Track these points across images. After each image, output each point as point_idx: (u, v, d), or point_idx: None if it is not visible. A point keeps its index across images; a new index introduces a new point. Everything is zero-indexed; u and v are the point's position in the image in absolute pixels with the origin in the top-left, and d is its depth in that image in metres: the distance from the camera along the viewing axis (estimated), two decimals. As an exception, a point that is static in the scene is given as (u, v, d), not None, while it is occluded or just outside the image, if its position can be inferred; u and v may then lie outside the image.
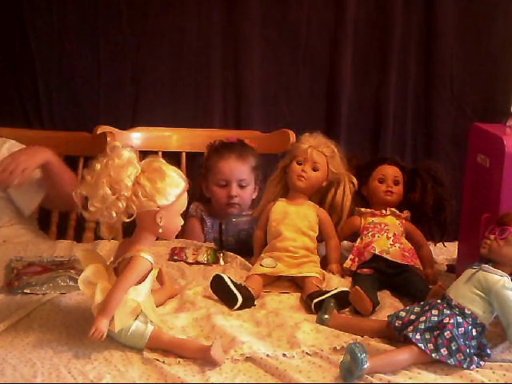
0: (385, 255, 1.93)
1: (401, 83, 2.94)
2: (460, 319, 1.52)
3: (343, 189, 2.07)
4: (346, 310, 1.76)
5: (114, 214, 1.52)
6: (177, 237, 1.70)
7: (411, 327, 1.52)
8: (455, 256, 2.09)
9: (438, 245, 2.13)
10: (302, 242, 1.99)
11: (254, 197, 2.50)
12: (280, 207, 2.06)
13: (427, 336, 1.50)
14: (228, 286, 1.78)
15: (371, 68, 2.93)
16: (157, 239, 1.66)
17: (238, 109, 2.88)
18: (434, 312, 1.54)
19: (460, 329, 1.51)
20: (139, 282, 1.53)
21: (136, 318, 1.52)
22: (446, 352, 1.48)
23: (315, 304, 1.74)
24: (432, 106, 2.98)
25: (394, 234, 2.00)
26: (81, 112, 2.78)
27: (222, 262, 2.10)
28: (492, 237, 1.59)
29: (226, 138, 2.57)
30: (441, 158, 2.84)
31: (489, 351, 1.53)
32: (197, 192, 2.51)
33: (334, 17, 2.85)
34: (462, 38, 2.92)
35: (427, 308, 1.57)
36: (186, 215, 1.64)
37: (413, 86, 2.96)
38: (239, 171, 2.45)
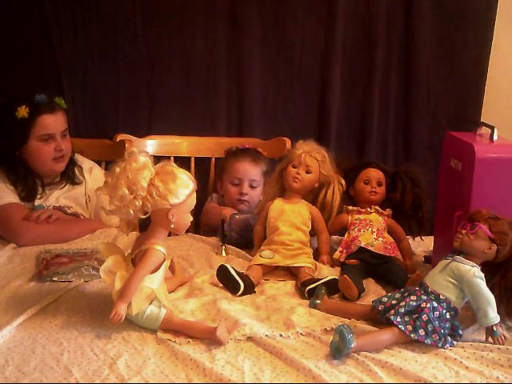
0: (369, 248, 1.93)
1: (383, 97, 2.93)
2: (435, 304, 1.52)
3: (333, 189, 2.07)
4: (336, 295, 1.76)
5: (132, 212, 1.52)
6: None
7: (392, 311, 1.52)
8: (431, 248, 2.09)
9: (416, 239, 2.13)
10: (296, 236, 1.99)
11: (260, 198, 2.48)
12: (277, 205, 2.05)
13: (406, 319, 1.50)
14: (232, 274, 1.78)
15: (357, 83, 2.92)
16: (169, 234, 1.65)
17: (241, 119, 2.87)
18: (413, 298, 1.54)
19: (435, 312, 1.51)
20: (153, 271, 1.53)
21: (151, 303, 1.53)
22: (423, 333, 1.48)
23: (308, 290, 1.74)
24: (411, 116, 2.97)
25: (378, 229, 1.99)
26: (102, 122, 2.77)
27: (223, 253, 2.09)
28: (463, 231, 1.59)
29: (242, 145, 2.58)
30: (418, 162, 2.81)
31: (461, 332, 1.53)
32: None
33: (324, 38, 2.84)
34: (437, 57, 2.91)
35: (407, 294, 1.57)
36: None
37: (394, 99, 2.95)
38: (251, 172, 2.44)
